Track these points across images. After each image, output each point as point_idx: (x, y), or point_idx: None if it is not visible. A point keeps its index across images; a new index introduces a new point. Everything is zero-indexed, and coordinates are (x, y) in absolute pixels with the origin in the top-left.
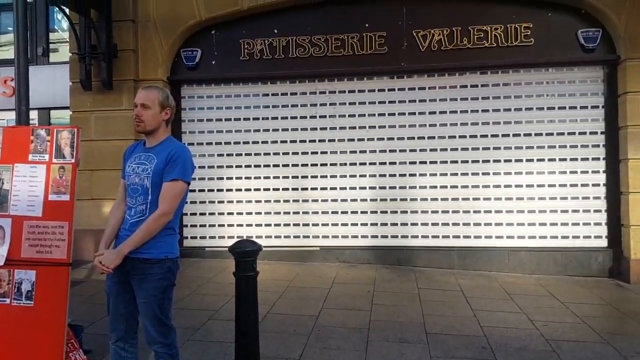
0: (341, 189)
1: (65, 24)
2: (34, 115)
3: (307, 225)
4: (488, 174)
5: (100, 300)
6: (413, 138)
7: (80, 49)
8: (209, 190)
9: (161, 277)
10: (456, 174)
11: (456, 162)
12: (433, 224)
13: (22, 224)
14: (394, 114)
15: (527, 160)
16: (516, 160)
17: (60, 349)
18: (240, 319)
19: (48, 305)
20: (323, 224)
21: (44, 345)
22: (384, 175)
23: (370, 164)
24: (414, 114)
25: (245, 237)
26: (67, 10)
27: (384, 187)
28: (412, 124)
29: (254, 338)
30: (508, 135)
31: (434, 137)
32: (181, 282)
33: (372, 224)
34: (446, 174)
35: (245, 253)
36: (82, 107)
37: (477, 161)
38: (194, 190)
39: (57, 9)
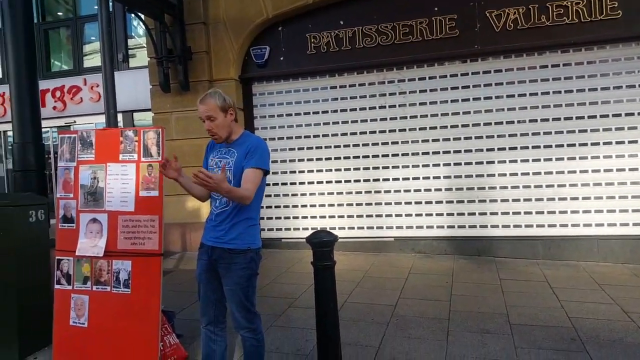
0: (414, 179)
1: (141, 30)
2: (119, 118)
3: (381, 216)
4: (574, 158)
5: (189, 289)
6: (490, 124)
7: (158, 54)
8: (283, 184)
9: (245, 267)
10: (538, 160)
11: (538, 147)
12: (514, 213)
13: (117, 218)
14: (468, 100)
15: (617, 143)
16: (604, 143)
17: (156, 333)
18: (320, 307)
19: (144, 292)
20: (397, 215)
21: (142, 329)
22: (460, 164)
23: (444, 152)
24: (490, 98)
25: (320, 229)
26: (143, 17)
27: (460, 176)
28: (489, 109)
29: (334, 325)
30: (595, 116)
31: (512, 122)
32: (261, 271)
33: (448, 214)
34: (527, 160)
35: (323, 243)
36: (163, 109)
37: (562, 145)
38: (269, 184)
39: (134, 16)
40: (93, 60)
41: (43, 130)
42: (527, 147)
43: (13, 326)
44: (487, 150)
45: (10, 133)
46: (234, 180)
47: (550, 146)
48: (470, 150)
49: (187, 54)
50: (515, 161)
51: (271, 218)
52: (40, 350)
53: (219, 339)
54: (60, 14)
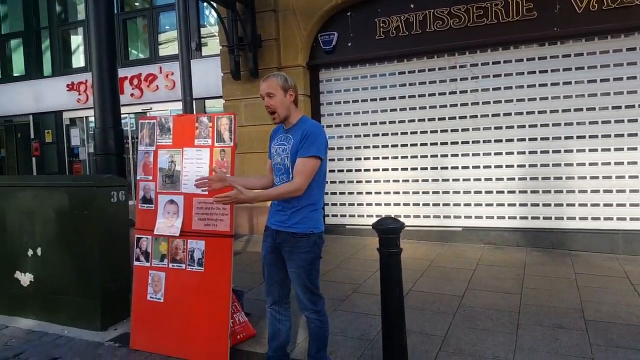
0: (485, 167)
1: (213, 19)
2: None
3: (448, 205)
4: None
5: (256, 270)
6: (569, 110)
7: (229, 42)
8: (347, 171)
9: (308, 250)
10: (621, 149)
11: (621, 135)
12: (593, 205)
13: (192, 200)
14: (545, 85)
15: None
16: None
17: (227, 310)
18: (385, 293)
19: (216, 271)
20: (465, 204)
21: (214, 306)
22: (535, 152)
23: (518, 140)
24: (570, 83)
25: (385, 216)
26: (215, 6)
27: (535, 165)
28: (568, 95)
29: (399, 313)
30: None
31: (593, 109)
32: (325, 257)
33: (521, 204)
34: (609, 149)
35: (389, 230)
36: (233, 96)
37: None
38: (334, 171)
39: (206, 5)
40: (168, 49)
41: (122, 116)
42: (608, 136)
43: (96, 299)
44: (565, 138)
45: (92, 119)
46: (292, 167)
47: (635, 134)
48: (547, 138)
49: (257, 41)
50: (596, 150)
51: (335, 204)
52: (120, 322)
53: (284, 319)
54: (137, 4)
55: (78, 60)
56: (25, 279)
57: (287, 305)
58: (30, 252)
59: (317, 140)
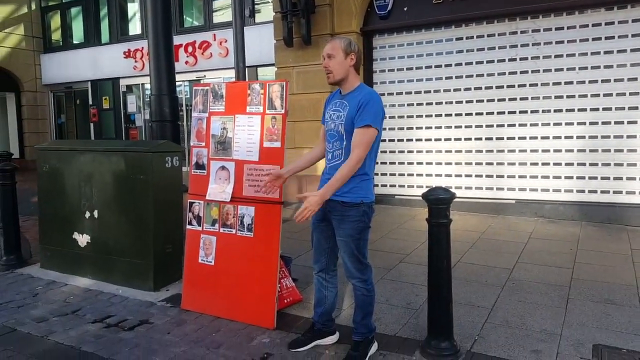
0: (543, 138)
1: None
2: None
3: (502, 176)
4: None
5: (304, 237)
6: (635, 79)
7: (283, 8)
8: (398, 140)
9: (357, 220)
10: None
11: None
12: None
13: (242, 166)
14: (611, 52)
15: None
16: None
17: (275, 274)
18: (433, 264)
19: (265, 237)
20: (520, 176)
21: (263, 270)
22: (596, 123)
23: (579, 110)
24: (638, 50)
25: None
26: None
27: (595, 137)
28: (636, 63)
29: (447, 284)
30: None
31: None
32: (373, 226)
33: (578, 177)
34: None
35: (439, 200)
36: (285, 63)
37: None
38: (384, 140)
39: None
40: (222, 16)
41: (176, 83)
42: None
43: (150, 261)
44: (629, 109)
45: (147, 86)
46: (346, 135)
47: None
48: (610, 109)
49: (310, 7)
50: None
51: (385, 174)
52: (172, 283)
53: (330, 286)
54: None
55: (135, 27)
56: (82, 239)
57: (334, 272)
58: (87, 214)
59: (374, 110)
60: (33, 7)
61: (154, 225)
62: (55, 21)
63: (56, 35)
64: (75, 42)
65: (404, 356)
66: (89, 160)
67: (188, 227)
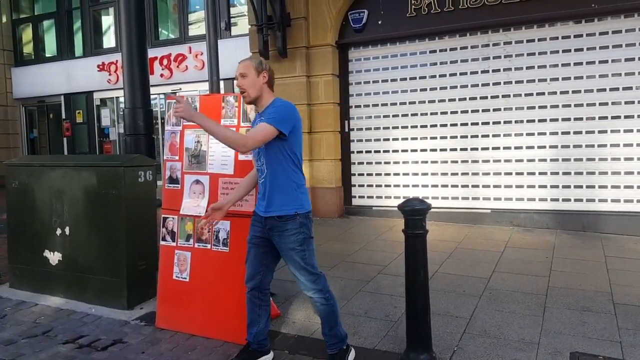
0: (516, 148)
1: None
2: (220, 85)
3: (477, 186)
4: None
5: None
6: (604, 90)
7: (258, 20)
8: (375, 152)
9: (296, 232)
10: None
11: None
12: (626, 187)
13: (217, 180)
14: (580, 64)
15: None
16: None
17: None
18: (410, 275)
19: (241, 252)
20: (495, 186)
21: (239, 286)
22: (568, 133)
23: (551, 120)
24: (606, 62)
25: (412, 197)
26: None
27: (567, 146)
28: (604, 74)
29: (424, 295)
30: None
31: (630, 88)
32: (350, 238)
33: (552, 186)
34: None
35: (415, 211)
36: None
37: None
38: (361, 152)
39: None
40: (198, 29)
41: (151, 96)
42: None
43: (123, 278)
44: (600, 118)
45: (122, 99)
46: (265, 147)
47: None
48: (581, 119)
49: (285, 20)
50: (631, 131)
51: (362, 185)
52: (146, 301)
53: (264, 304)
54: None
55: (109, 40)
56: (54, 257)
57: (267, 290)
58: (59, 231)
59: (279, 113)
60: (4, 19)
61: (126, 242)
62: (27, 34)
63: (28, 49)
64: (47, 55)
65: None
66: (60, 175)
67: (162, 242)
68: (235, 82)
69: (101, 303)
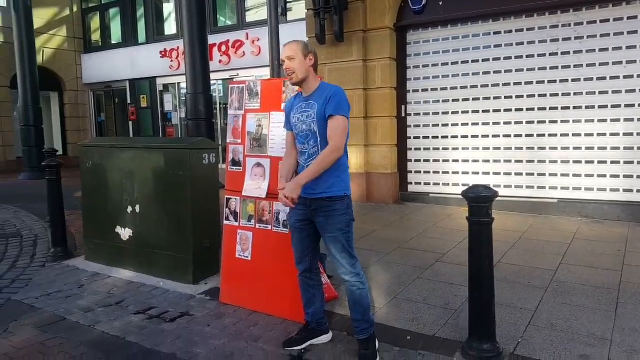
0: (586, 135)
1: None
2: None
3: (544, 175)
4: None
5: None
6: None
7: (316, 5)
8: (433, 137)
9: (344, 212)
10: None
11: None
12: None
13: (277, 163)
14: None
15: None
16: None
17: None
18: (474, 264)
19: None
20: (562, 174)
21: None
22: None
23: (626, 106)
24: None
25: (471, 185)
26: None
27: None
28: None
29: (489, 285)
30: None
31: None
32: (407, 224)
33: (625, 176)
34: None
35: (481, 198)
36: (319, 61)
37: None
38: (418, 137)
39: None
40: (255, 15)
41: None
42: None
43: (189, 255)
44: None
45: (183, 85)
46: (319, 130)
47: None
48: None
49: (343, 3)
50: None
51: (419, 172)
52: (210, 277)
53: (317, 284)
54: None
55: (170, 27)
56: (124, 233)
57: (317, 270)
58: (129, 209)
59: (342, 101)
60: (75, 9)
61: (192, 220)
62: (95, 22)
63: (96, 36)
64: (113, 42)
65: (444, 357)
66: (130, 156)
67: (225, 222)
68: (282, 65)
69: (169, 277)
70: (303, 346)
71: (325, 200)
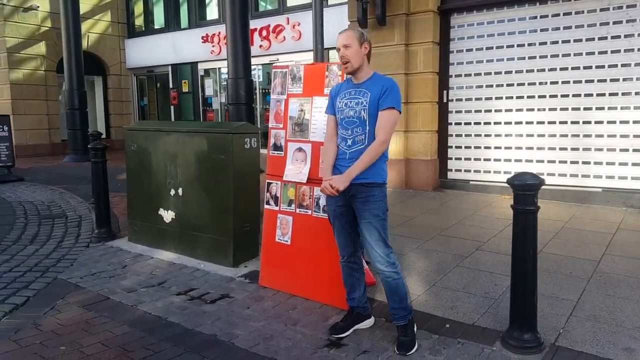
0: (635, 122)
1: None
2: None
3: (588, 163)
4: None
5: None
6: None
7: None
8: (475, 123)
9: (381, 199)
10: None
11: None
12: None
13: (319, 148)
14: None
15: None
16: None
17: None
18: (517, 253)
19: None
20: (608, 163)
21: (336, 251)
22: None
23: None
24: None
25: (514, 172)
26: None
27: None
28: None
29: (532, 274)
30: None
31: None
32: (446, 212)
33: None
34: None
35: (527, 186)
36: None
37: None
38: (460, 123)
39: None
40: None
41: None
42: None
43: (230, 238)
44: None
45: (223, 70)
46: (369, 119)
47: None
48: None
49: None
50: None
51: (460, 158)
52: (250, 260)
53: (360, 268)
54: None
55: (212, 12)
56: (167, 215)
57: (359, 253)
58: (172, 192)
59: (398, 94)
60: None
61: (233, 204)
62: (139, 7)
63: (139, 21)
64: (156, 27)
65: (484, 346)
66: (174, 140)
67: (266, 206)
68: (338, 52)
69: (209, 260)
70: (349, 332)
71: (363, 186)
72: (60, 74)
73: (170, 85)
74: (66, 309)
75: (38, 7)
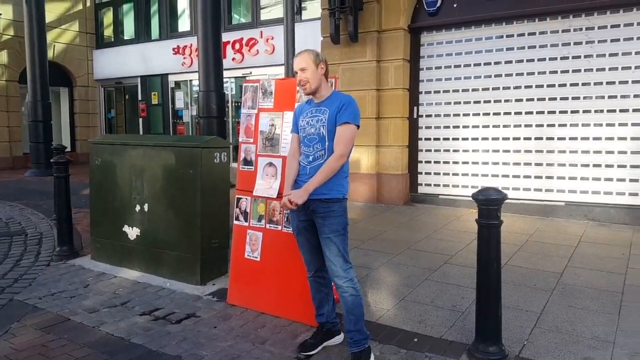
0: (595, 139)
1: None
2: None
3: (551, 177)
4: None
5: (350, 236)
6: None
7: (331, 4)
8: (444, 139)
9: (341, 214)
10: None
11: None
12: None
13: None
14: None
15: None
16: None
17: None
18: (482, 266)
19: None
20: (570, 178)
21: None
22: None
23: (634, 110)
24: None
25: (481, 187)
26: None
27: None
28: None
29: (496, 287)
30: None
31: None
32: (416, 226)
33: (631, 180)
34: None
35: (490, 201)
36: (332, 60)
37: None
38: (429, 139)
39: None
40: (269, 13)
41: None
42: None
43: (197, 255)
44: None
45: (195, 82)
46: (328, 135)
47: None
48: None
49: (358, 3)
50: None
51: (430, 173)
52: (218, 278)
53: (328, 283)
54: None
55: (184, 24)
56: (132, 232)
57: (326, 269)
58: (138, 208)
59: (354, 110)
60: (88, 3)
61: (201, 220)
62: (108, 17)
63: (108, 32)
64: (126, 38)
65: (450, 359)
66: (140, 154)
67: (235, 222)
68: (295, 75)
69: (175, 278)
70: (318, 349)
71: (322, 202)
72: (23, 85)
73: (139, 97)
74: (22, 332)
75: (1, 14)
